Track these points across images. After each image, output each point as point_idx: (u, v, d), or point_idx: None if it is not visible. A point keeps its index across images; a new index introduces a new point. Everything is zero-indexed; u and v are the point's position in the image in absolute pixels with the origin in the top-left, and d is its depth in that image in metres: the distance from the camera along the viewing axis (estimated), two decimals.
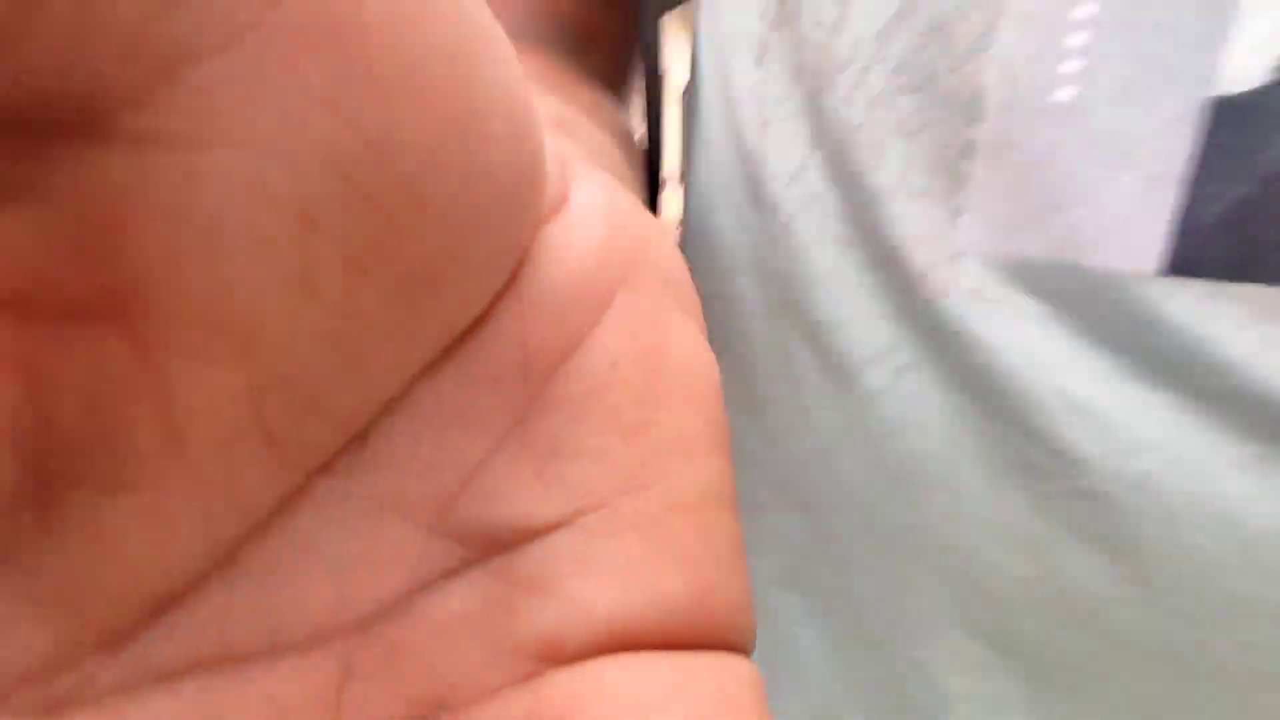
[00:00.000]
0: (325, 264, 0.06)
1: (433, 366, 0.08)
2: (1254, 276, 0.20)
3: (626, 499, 0.08)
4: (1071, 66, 0.19)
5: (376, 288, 0.07)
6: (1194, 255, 0.20)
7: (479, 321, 0.08)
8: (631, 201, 0.09)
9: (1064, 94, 0.20)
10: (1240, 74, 0.18)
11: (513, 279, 0.08)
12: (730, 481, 0.09)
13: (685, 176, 0.30)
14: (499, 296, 0.08)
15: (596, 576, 0.08)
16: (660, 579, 0.08)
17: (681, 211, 0.30)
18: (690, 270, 0.10)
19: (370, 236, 0.06)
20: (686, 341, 0.09)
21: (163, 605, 0.07)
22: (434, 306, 0.07)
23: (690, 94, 0.29)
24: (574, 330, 0.08)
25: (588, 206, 0.08)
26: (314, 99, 0.06)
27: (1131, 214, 0.20)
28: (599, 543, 0.08)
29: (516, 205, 0.07)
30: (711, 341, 0.09)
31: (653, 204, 0.32)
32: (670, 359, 0.08)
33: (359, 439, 0.07)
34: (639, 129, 0.32)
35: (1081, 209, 0.21)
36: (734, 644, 0.08)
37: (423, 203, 0.06)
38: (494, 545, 0.08)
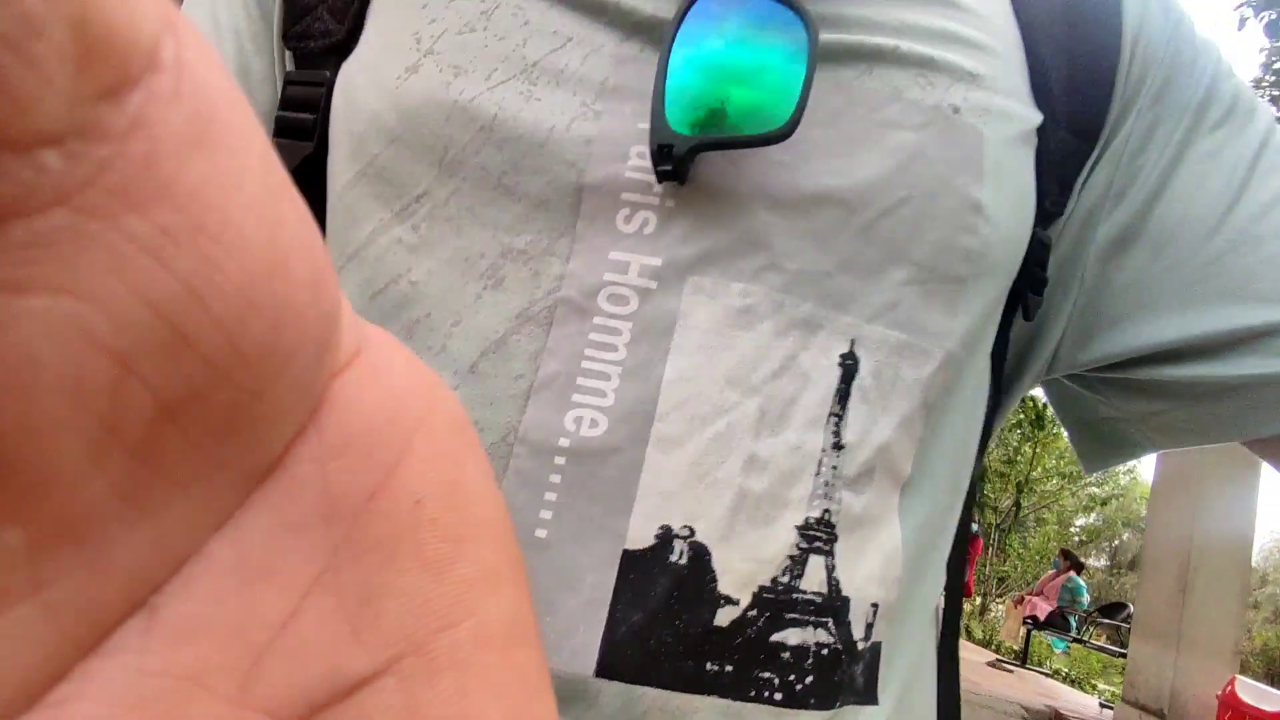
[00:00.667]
0: (135, 409, 0.06)
1: (231, 518, 0.07)
2: (653, 683, 0.29)
3: (440, 639, 0.08)
4: (546, 514, 0.29)
5: (182, 434, 0.06)
6: (615, 662, 0.29)
7: (278, 468, 0.08)
8: (412, 355, 0.09)
9: (541, 532, 0.29)
10: (638, 535, 0.29)
11: (310, 424, 0.08)
12: (530, 611, 0.09)
13: None
14: (296, 441, 0.08)
15: None
16: (477, 718, 0.08)
17: None
18: None
19: (186, 380, 0.06)
20: (480, 478, 0.09)
21: None
22: (234, 453, 0.07)
23: None
24: (377, 472, 0.08)
25: (381, 356, 0.09)
26: (138, 248, 0.06)
27: (578, 626, 0.29)
28: (416, 689, 0.08)
29: (319, 348, 0.07)
30: None
31: None
32: (468, 495, 0.09)
33: (148, 608, 0.07)
34: None
35: (547, 619, 0.29)
36: None
37: (238, 344, 0.06)
38: (306, 709, 0.07)
